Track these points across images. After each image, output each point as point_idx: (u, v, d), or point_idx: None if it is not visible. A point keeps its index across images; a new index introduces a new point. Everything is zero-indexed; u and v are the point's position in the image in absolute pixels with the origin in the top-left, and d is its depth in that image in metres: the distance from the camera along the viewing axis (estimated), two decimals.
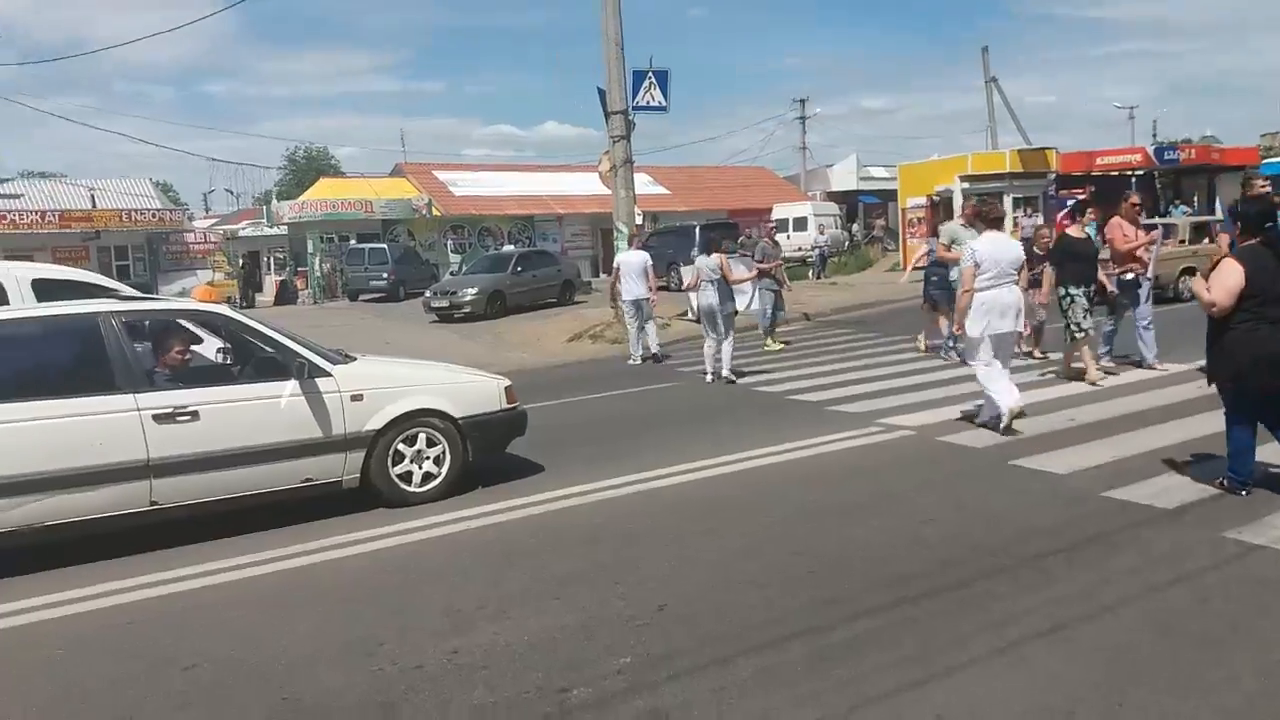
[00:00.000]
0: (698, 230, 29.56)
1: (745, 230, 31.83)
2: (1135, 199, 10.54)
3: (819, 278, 30.65)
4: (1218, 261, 5.82)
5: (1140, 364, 10.37)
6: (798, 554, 5.24)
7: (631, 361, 14.28)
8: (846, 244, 40.06)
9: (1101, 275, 9.99)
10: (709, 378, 11.75)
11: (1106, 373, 10.00)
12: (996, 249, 7.72)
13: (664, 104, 17.74)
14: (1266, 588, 4.34)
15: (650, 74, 17.58)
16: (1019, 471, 6.66)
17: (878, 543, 5.34)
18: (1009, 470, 6.72)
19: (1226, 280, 5.57)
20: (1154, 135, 56.36)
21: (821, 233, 36.87)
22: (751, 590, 4.74)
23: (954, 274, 10.80)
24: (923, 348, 12.90)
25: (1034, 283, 10.39)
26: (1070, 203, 28.29)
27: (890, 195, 41.10)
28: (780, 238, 35.08)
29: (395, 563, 5.62)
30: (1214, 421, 7.40)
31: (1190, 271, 17.24)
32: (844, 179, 49.20)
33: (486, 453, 7.10)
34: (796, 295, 18.36)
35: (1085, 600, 4.34)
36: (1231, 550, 4.84)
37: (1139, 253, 10.14)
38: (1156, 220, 21.89)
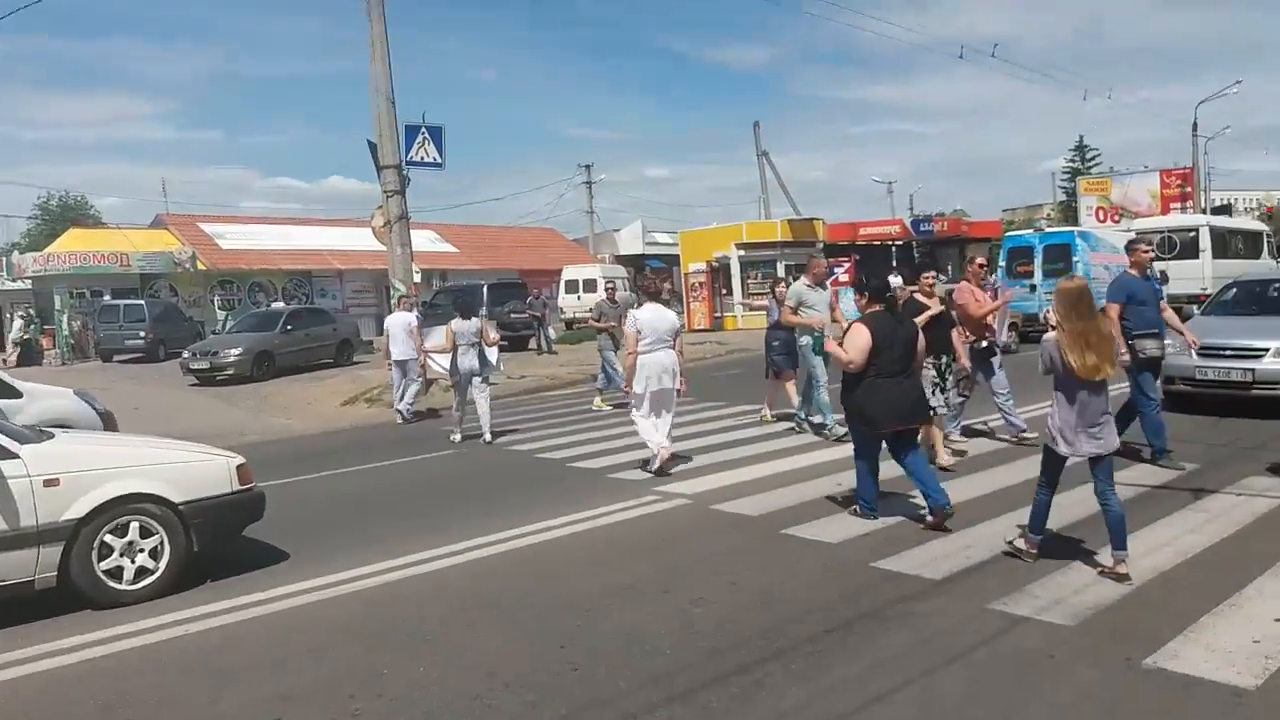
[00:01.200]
0: (485, 289, 29.09)
1: (535, 290, 31.67)
2: (981, 260, 9.87)
3: None
4: (849, 328, 6.97)
5: (992, 435, 9.85)
6: (563, 648, 4.78)
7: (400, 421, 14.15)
8: (636, 306, 40.68)
9: (959, 346, 8.82)
10: (488, 438, 11.77)
11: (955, 453, 8.92)
12: (655, 318, 9.03)
13: (439, 160, 17.23)
14: (1033, 668, 4.25)
15: (423, 129, 17.06)
16: (792, 542, 6.51)
17: (648, 630, 4.96)
18: (782, 541, 6.56)
19: (859, 342, 6.64)
20: (910, 208, 61.01)
21: (615, 292, 37.14)
22: (509, 698, 4.23)
23: (803, 339, 10.49)
24: (769, 416, 11.81)
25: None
26: (838, 270, 29.94)
27: (674, 260, 42.17)
28: (570, 299, 35.25)
29: (91, 680, 4.71)
30: (973, 483, 7.67)
31: None
32: (631, 243, 50.25)
33: (216, 542, 6.24)
34: (589, 355, 18.15)
35: (859, 689, 4.11)
36: (997, 624, 4.78)
37: (990, 319, 9.41)
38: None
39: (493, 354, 12.71)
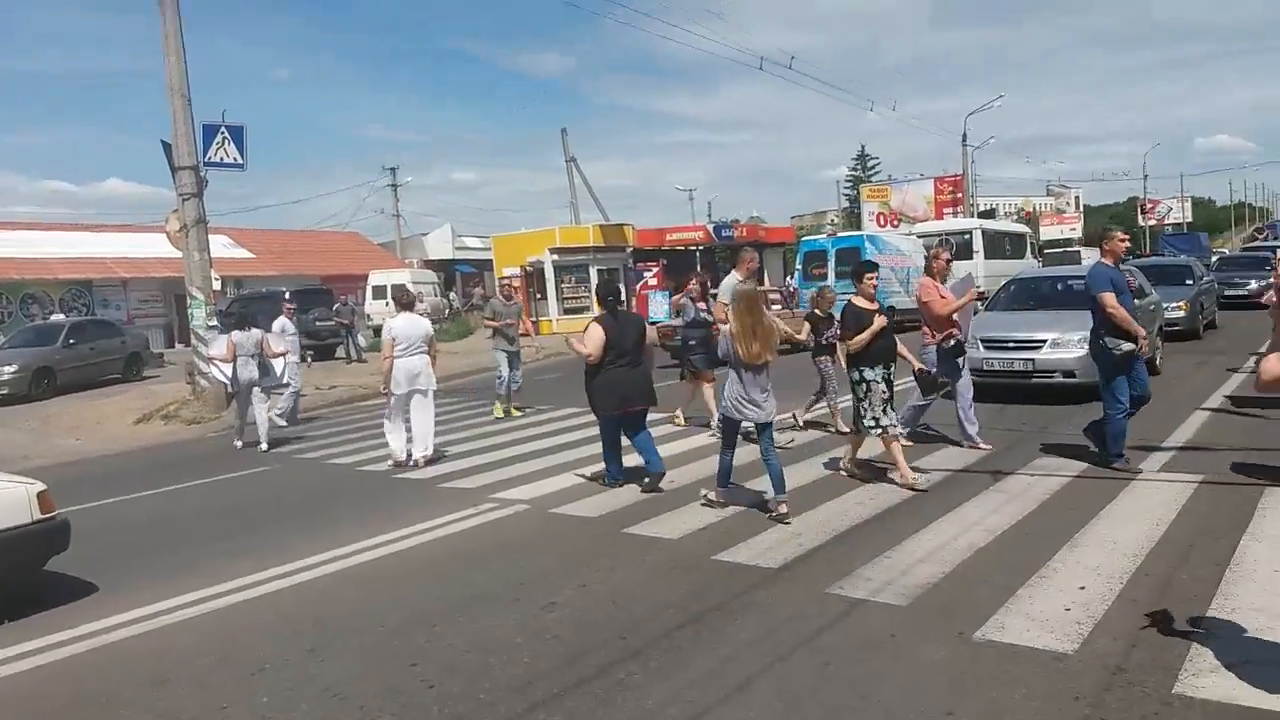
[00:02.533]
0: (287, 295, 27.75)
1: (341, 297, 30.48)
2: (946, 255, 9.29)
3: None
4: (588, 325, 8.02)
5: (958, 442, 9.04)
6: (415, 666, 4.64)
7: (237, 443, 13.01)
8: (446, 312, 39.95)
9: (907, 353, 8.24)
10: (264, 446, 12.03)
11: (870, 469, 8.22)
12: (409, 326, 9.91)
13: (240, 161, 16.30)
14: (878, 648, 4.50)
15: (223, 129, 16.11)
16: (635, 540, 6.60)
17: (502, 640, 4.90)
18: (625, 539, 6.64)
19: (595, 337, 7.82)
20: (710, 215, 62.96)
21: (420, 300, 36.38)
22: None
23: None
24: (681, 420, 11.36)
25: (825, 349, 10.14)
26: (647, 275, 30.51)
27: (486, 264, 41.74)
28: (378, 305, 34.15)
29: None
30: (798, 472, 8.03)
31: None
32: (440, 247, 49.30)
33: (16, 576, 5.67)
34: None
35: (719, 681, 4.22)
36: (838, 608, 5.02)
37: (957, 315, 8.82)
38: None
39: (279, 366, 13.00)
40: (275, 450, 11.96)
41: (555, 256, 32.84)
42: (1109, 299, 7.61)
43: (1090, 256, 35.61)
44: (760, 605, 5.17)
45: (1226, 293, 22.96)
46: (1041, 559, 5.56)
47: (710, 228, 38.01)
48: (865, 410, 7.68)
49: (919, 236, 28.99)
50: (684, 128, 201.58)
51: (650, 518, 7.11)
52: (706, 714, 3.93)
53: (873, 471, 8.06)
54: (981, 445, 8.76)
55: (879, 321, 7.69)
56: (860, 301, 7.89)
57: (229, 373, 12.37)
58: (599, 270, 31.76)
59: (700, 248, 36.31)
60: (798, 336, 10.23)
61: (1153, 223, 79.40)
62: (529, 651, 4.72)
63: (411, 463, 9.91)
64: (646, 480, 7.97)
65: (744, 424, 7.13)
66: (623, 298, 8.20)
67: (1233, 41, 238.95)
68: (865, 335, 7.64)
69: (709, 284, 11.96)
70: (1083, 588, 5.07)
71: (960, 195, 51.15)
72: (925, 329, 8.91)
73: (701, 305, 11.06)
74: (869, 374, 7.66)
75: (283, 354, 13.23)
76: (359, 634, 5.16)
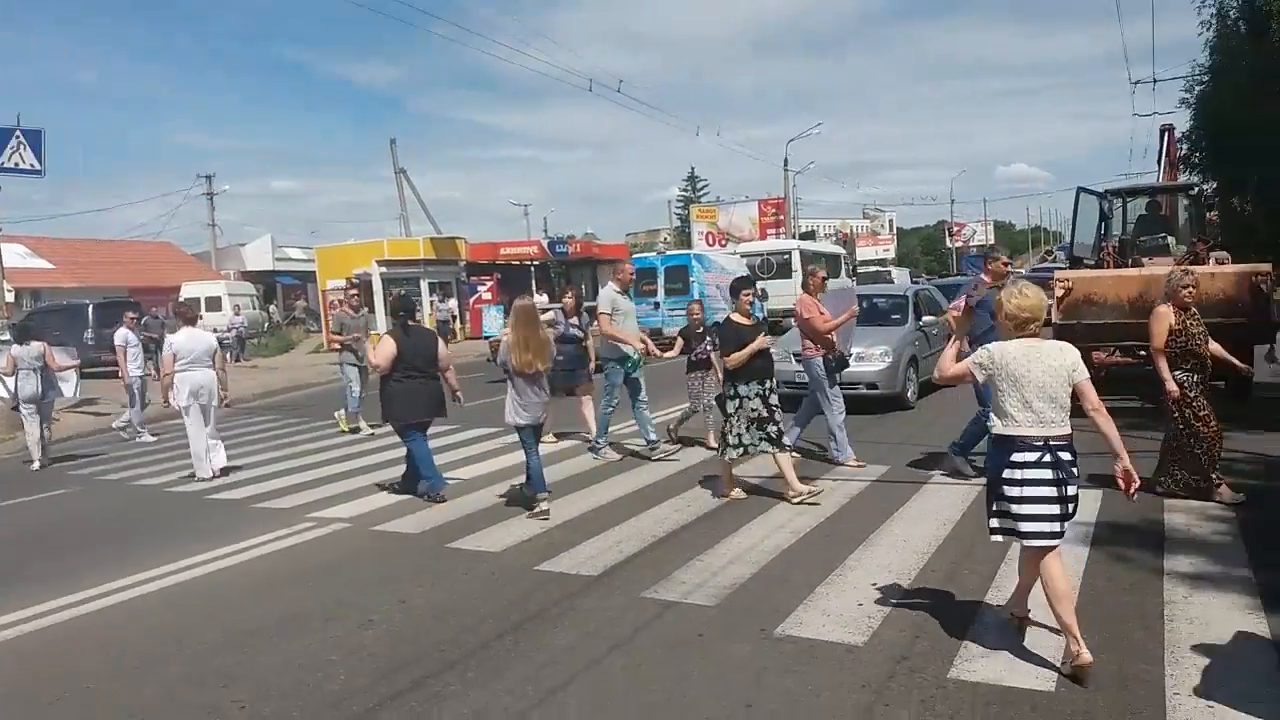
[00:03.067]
0: (91, 309, 26.08)
1: (151, 310, 28.76)
2: (822, 272, 9.44)
3: (237, 360, 28.71)
4: (380, 338, 8.49)
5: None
6: (226, 687, 4.55)
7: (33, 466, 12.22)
8: (266, 325, 38.35)
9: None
10: (36, 465, 11.95)
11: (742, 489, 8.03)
12: (190, 341, 10.17)
13: (37, 167, 15.29)
14: (686, 647, 4.74)
15: (18, 133, 15.06)
16: (457, 555, 6.64)
17: (318, 658, 4.85)
18: (447, 555, 6.66)
19: (386, 350, 8.20)
20: (545, 230, 63.12)
21: (238, 313, 34.84)
22: None
23: (614, 355, 9.91)
24: (551, 437, 10.94)
25: (696, 365, 10.09)
26: (481, 289, 30.30)
27: (309, 276, 40.36)
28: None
29: None
30: (619, 484, 8.25)
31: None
32: (259, 258, 47.23)
33: None
34: None
35: (535, 685, 4.34)
36: (652, 611, 5.24)
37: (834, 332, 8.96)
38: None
39: (69, 382, 12.90)
40: (75, 472, 11.28)
41: (383, 269, 32.16)
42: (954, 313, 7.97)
43: (900, 276, 37.90)
44: (579, 612, 5.32)
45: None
46: (839, 558, 5.97)
47: (545, 243, 38.11)
48: (731, 428, 7.61)
49: (742, 256, 30.07)
50: (517, 143, 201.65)
51: (474, 532, 7.15)
52: (522, 718, 4.04)
53: (746, 486, 8.01)
54: (850, 464, 8.79)
55: (761, 341, 7.60)
56: (738, 318, 7.79)
57: (11, 387, 11.98)
58: (430, 283, 31.30)
59: (535, 263, 36.35)
60: (665, 354, 10.10)
61: (959, 244, 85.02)
62: (345, 669, 4.70)
63: (214, 475, 10.05)
64: (426, 495, 8.34)
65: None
66: (415, 314, 8.76)
67: (1030, 78, 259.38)
68: (744, 353, 7.52)
69: (582, 299, 11.93)
70: (875, 584, 5.48)
71: (782, 217, 53.28)
72: (805, 341, 9.03)
73: (574, 320, 10.97)
74: (743, 390, 7.58)
75: (72, 366, 13.20)
76: (168, 658, 5.00)
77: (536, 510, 7.54)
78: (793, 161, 49.44)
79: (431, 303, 31.99)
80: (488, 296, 27.51)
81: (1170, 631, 4.57)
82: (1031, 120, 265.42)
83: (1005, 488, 4.28)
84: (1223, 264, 12.16)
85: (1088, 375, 4.34)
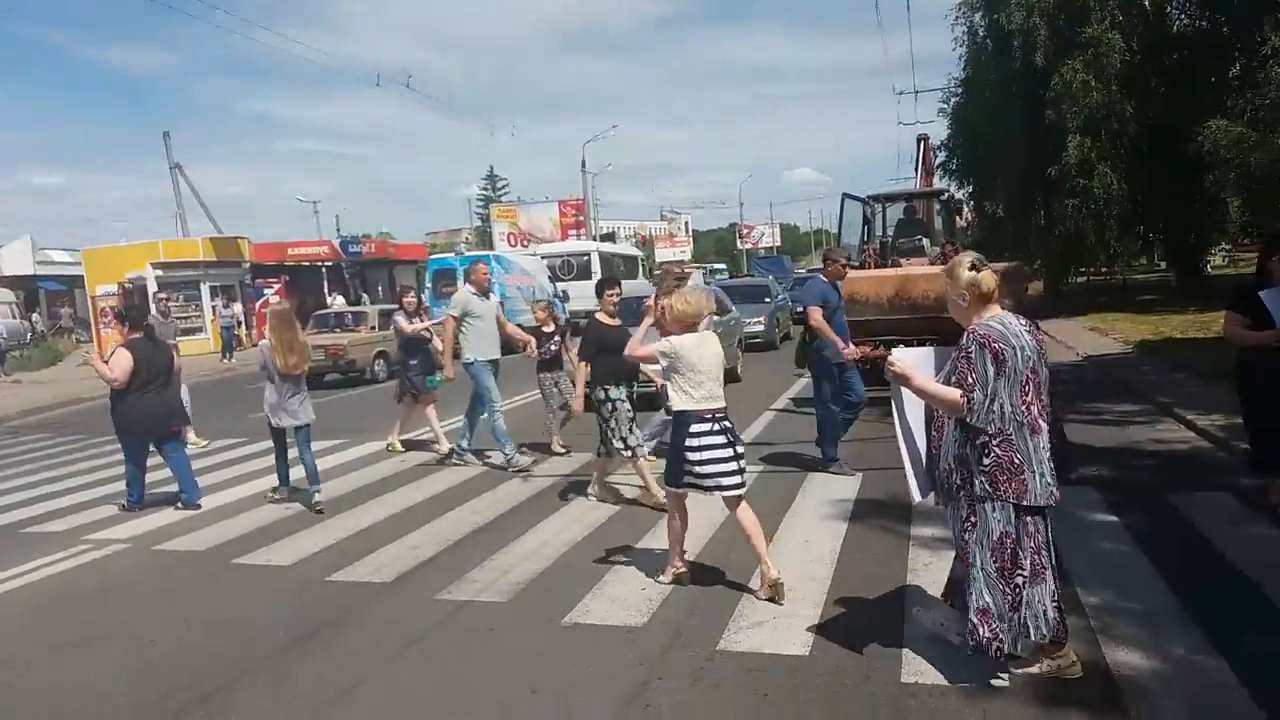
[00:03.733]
0: None
1: None
2: (679, 270, 9.45)
3: None
4: (115, 350, 8.35)
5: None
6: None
7: None
8: (29, 336, 35.21)
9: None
10: None
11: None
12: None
13: None
14: (476, 641, 4.94)
15: None
16: (244, 570, 6.53)
17: (98, 682, 4.73)
18: (234, 570, 6.54)
19: (123, 363, 8.08)
20: (338, 229, 61.18)
21: None
22: None
23: (469, 357, 9.35)
24: (397, 445, 10.68)
25: (545, 364, 9.91)
26: (268, 292, 29.11)
27: (77, 281, 37.44)
28: None
29: None
30: (412, 492, 8.33)
31: (383, 355, 19.06)
32: (18, 262, 43.16)
33: None
34: None
35: (328, 688, 4.42)
36: (445, 610, 5.40)
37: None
38: (352, 308, 23.74)
39: None
40: None
41: (159, 272, 30.31)
42: (814, 314, 8.29)
43: (694, 278, 39.30)
44: (372, 617, 5.40)
45: (798, 309, 26.40)
46: (627, 547, 6.33)
47: (337, 243, 36.98)
48: (613, 431, 7.38)
49: (542, 257, 30.37)
50: (307, 135, 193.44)
51: (261, 547, 7.04)
52: (315, 715, 4.13)
53: (618, 495, 7.83)
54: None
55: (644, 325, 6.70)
56: (604, 318, 7.59)
57: None
58: (211, 286, 29.77)
59: (327, 264, 35.24)
60: (529, 349, 9.75)
61: (749, 246, 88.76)
62: (126, 689, 4.61)
63: None
64: (179, 504, 8.41)
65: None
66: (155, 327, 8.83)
67: (810, 85, 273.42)
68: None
69: (422, 300, 11.64)
70: (658, 569, 5.86)
71: (582, 218, 54.03)
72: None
73: (418, 320, 10.68)
74: (613, 393, 7.36)
75: None
76: None
77: (315, 503, 7.98)
78: (591, 163, 50.23)
79: (214, 308, 30.38)
80: (275, 300, 26.49)
81: (909, 591, 5.18)
82: (813, 126, 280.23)
83: (689, 454, 5.22)
84: None
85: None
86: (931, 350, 4.25)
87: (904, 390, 4.08)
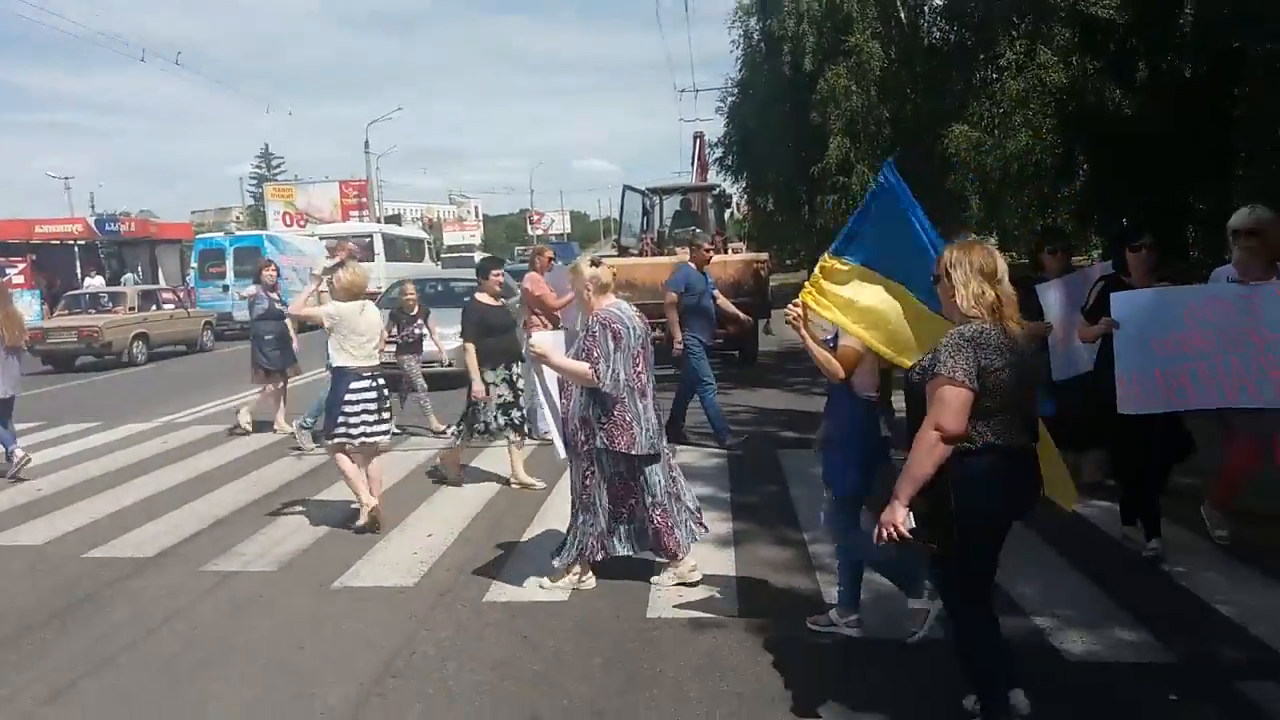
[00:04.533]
0: None
1: None
2: (550, 252, 9.58)
3: None
4: None
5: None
6: None
7: None
8: None
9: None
10: None
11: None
12: None
13: None
14: (245, 607, 5.01)
15: None
16: None
17: None
18: None
19: None
20: (93, 207, 56.53)
21: None
22: None
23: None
24: (247, 425, 9.92)
25: (406, 347, 9.64)
26: (11, 272, 26.65)
27: None
28: None
29: None
30: (188, 466, 8.11)
31: (142, 338, 18.01)
32: None
33: None
34: None
35: (86, 659, 4.37)
36: (211, 581, 5.39)
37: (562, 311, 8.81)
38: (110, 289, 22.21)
39: None
40: None
41: None
42: (669, 297, 8.57)
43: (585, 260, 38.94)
44: (132, 591, 5.32)
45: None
46: (402, 515, 6.50)
47: (92, 221, 34.30)
48: (481, 413, 7.23)
49: (321, 238, 29.39)
50: (57, 106, 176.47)
51: (12, 527, 6.70)
52: (72, 687, 4.10)
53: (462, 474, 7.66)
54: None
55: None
56: (485, 298, 7.46)
57: None
58: None
59: (80, 243, 32.59)
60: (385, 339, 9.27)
61: (539, 232, 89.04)
62: None
63: None
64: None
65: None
66: None
67: (601, 76, 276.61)
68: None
69: (279, 272, 10.66)
70: (430, 535, 6.09)
71: (365, 200, 52.44)
72: (534, 320, 8.79)
73: (274, 295, 9.93)
74: (489, 375, 7.22)
75: None
76: None
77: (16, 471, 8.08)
78: (377, 144, 48.89)
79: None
80: (20, 280, 24.39)
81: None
82: (603, 116, 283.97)
83: (346, 407, 6.09)
84: (737, 253, 14.42)
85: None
86: (561, 333, 5.31)
87: (545, 368, 4.88)
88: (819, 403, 4.88)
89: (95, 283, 25.38)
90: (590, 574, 5.04)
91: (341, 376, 6.16)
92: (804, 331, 4.08)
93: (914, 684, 3.84)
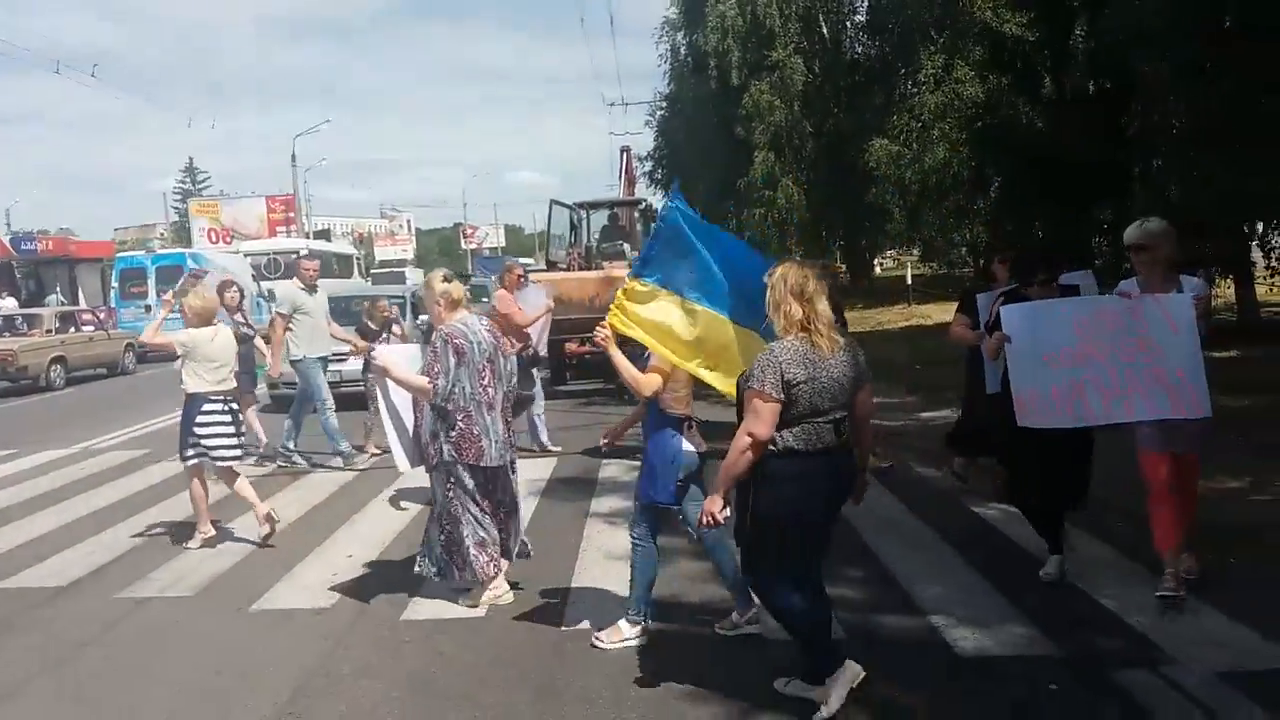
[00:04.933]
0: None
1: None
2: (519, 270, 9.61)
3: None
4: None
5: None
6: None
7: None
8: None
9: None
10: None
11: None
12: None
13: None
14: (159, 633, 5.01)
15: None
16: None
17: None
18: None
19: None
20: (8, 225, 54.84)
21: None
22: None
23: (296, 355, 8.90)
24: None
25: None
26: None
27: None
28: None
29: None
30: (103, 494, 8.00)
31: (60, 361, 17.58)
32: None
33: None
34: None
35: None
36: (125, 609, 5.36)
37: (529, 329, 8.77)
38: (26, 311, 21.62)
39: None
40: None
41: None
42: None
43: (415, 276, 38.83)
44: (44, 619, 5.28)
45: None
46: (321, 538, 6.53)
47: (7, 240, 33.33)
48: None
49: (246, 255, 28.97)
50: None
51: None
52: None
53: None
54: (551, 448, 9.08)
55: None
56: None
57: None
58: None
59: None
60: (359, 345, 9.00)
61: (474, 246, 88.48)
62: None
63: None
64: None
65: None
66: None
67: (535, 88, 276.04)
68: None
69: (244, 293, 10.26)
70: (350, 555, 6.13)
71: (293, 215, 51.70)
72: (505, 340, 8.67)
73: (239, 318, 9.30)
74: None
75: None
76: None
77: None
78: (305, 157, 48.22)
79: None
80: None
81: (581, 555, 5.83)
82: (536, 130, 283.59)
83: (199, 429, 6.28)
84: None
85: None
86: (414, 348, 5.41)
87: (387, 380, 5.03)
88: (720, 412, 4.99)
89: (7, 304, 24.69)
90: (505, 587, 5.11)
91: (194, 401, 6.33)
92: (612, 350, 4.32)
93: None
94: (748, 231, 26.21)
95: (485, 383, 4.89)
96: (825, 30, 25.06)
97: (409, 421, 5.16)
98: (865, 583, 5.27)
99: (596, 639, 4.48)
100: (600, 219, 17.02)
